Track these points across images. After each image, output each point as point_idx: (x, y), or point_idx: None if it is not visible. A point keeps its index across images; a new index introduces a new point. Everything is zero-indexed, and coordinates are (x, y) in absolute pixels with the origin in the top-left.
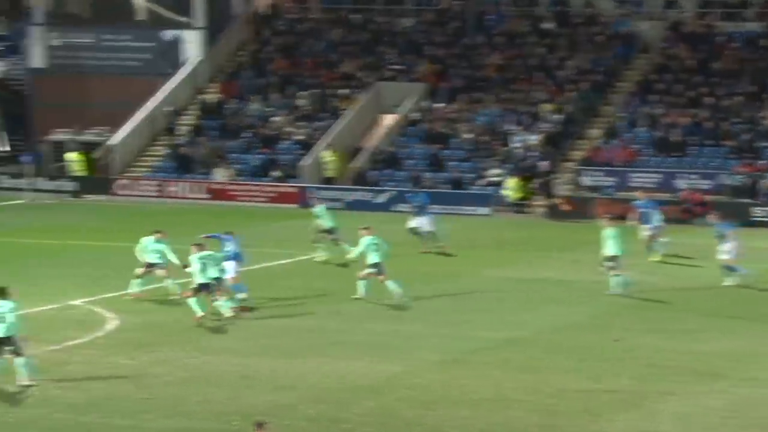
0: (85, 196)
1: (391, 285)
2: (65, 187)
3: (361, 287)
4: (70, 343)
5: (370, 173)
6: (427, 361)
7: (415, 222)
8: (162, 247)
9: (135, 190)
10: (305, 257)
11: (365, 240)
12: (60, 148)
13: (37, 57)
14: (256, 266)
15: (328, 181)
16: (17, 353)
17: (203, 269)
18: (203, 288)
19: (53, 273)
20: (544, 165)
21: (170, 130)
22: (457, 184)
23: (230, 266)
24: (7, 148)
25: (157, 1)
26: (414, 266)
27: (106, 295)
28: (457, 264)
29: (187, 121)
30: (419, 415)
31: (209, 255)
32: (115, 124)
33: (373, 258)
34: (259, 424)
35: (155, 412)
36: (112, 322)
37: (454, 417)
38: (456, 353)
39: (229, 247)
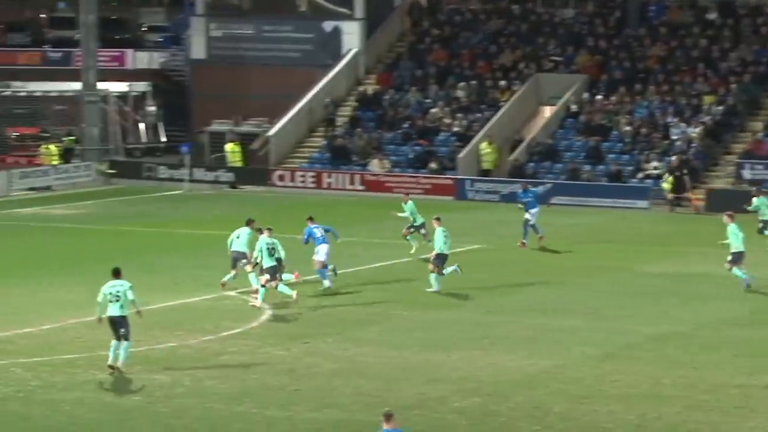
0: (242, 186)
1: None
2: (223, 178)
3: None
4: (225, 333)
5: (528, 165)
6: (580, 355)
7: (528, 215)
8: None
9: (292, 181)
10: (461, 249)
11: (438, 231)
12: (218, 138)
13: (197, 48)
14: (410, 258)
15: (485, 173)
16: (125, 337)
17: (270, 254)
18: (271, 272)
19: (209, 263)
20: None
21: (328, 122)
22: (615, 177)
23: (323, 249)
24: (164, 139)
25: None
26: (569, 260)
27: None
28: (613, 258)
29: (344, 113)
30: (572, 409)
31: (274, 241)
32: (274, 115)
33: (444, 250)
34: (388, 416)
35: (307, 403)
36: (266, 313)
37: (607, 412)
38: (610, 347)
39: (318, 233)
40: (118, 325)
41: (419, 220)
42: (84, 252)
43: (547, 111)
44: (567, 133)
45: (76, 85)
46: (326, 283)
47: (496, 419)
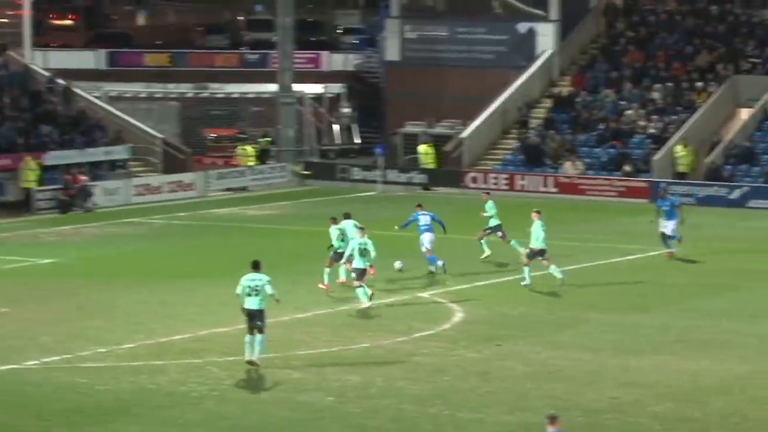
0: (434, 188)
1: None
2: (416, 180)
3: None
4: (417, 334)
5: (725, 168)
6: None
7: (662, 226)
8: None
9: (485, 183)
10: (655, 253)
11: (537, 225)
12: (412, 140)
13: (391, 50)
14: (603, 261)
15: (680, 176)
16: (260, 330)
17: (362, 255)
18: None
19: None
20: None
21: (521, 123)
22: None
23: (426, 239)
24: (359, 141)
25: None
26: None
27: (453, 288)
28: None
29: (538, 114)
30: None
31: (367, 241)
32: (467, 116)
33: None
34: (552, 418)
35: (499, 406)
36: (458, 315)
37: None
38: None
39: (424, 220)
40: (255, 318)
41: (494, 222)
42: (278, 252)
43: (745, 113)
44: (765, 136)
45: (273, 87)
46: (436, 266)
47: (690, 425)
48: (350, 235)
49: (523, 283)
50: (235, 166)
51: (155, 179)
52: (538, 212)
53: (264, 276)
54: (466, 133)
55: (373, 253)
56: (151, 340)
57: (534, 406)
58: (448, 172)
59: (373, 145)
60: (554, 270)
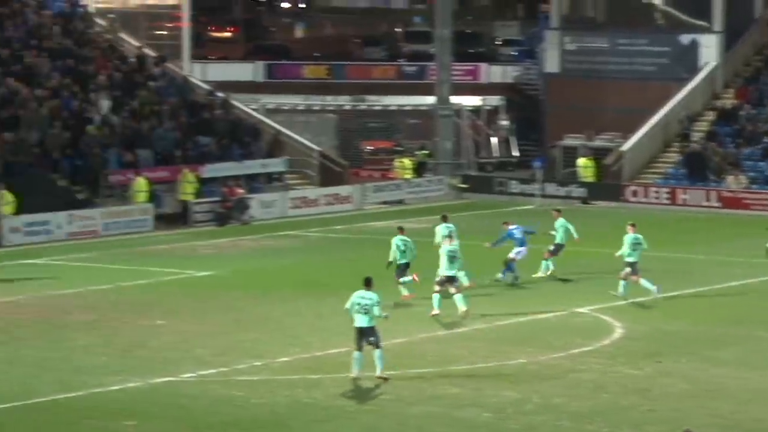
0: (594, 202)
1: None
2: (575, 193)
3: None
4: (576, 350)
5: None
6: None
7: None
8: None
9: (645, 197)
10: None
11: (627, 238)
12: (571, 153)
13: (551, 61)
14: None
15: None
16: (377, 345)
17: (450, 262)
18: (447, 281)
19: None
20: None
21: (684, 137)
22: None
23: (521, 251)
24: (517, 153)
25: (674, 5)
26: None
27: (612, 304)
28: None
29: (701, 128)
30: None
31: (454, 249)
32: (627, 129)
33: (629, 257)
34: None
35: (659, 425)
36: (617, 331)
37: None
38: None
39: (518, 234)
40: (367, 335)
41: (559, 240)
42: (434, 265)
43: None
44: None
45: (430, 99)
46: (506, 277)
47: None
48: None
49: (614, 293)
50: (392, 178)
51: (312, 192)
52: (633, 225)
53: (374, 295)
54: (626, 146)
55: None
56: (306, 353)
57: (696, 425)
58: (607, 186)
59: (531, 158)
60: (645, 283)
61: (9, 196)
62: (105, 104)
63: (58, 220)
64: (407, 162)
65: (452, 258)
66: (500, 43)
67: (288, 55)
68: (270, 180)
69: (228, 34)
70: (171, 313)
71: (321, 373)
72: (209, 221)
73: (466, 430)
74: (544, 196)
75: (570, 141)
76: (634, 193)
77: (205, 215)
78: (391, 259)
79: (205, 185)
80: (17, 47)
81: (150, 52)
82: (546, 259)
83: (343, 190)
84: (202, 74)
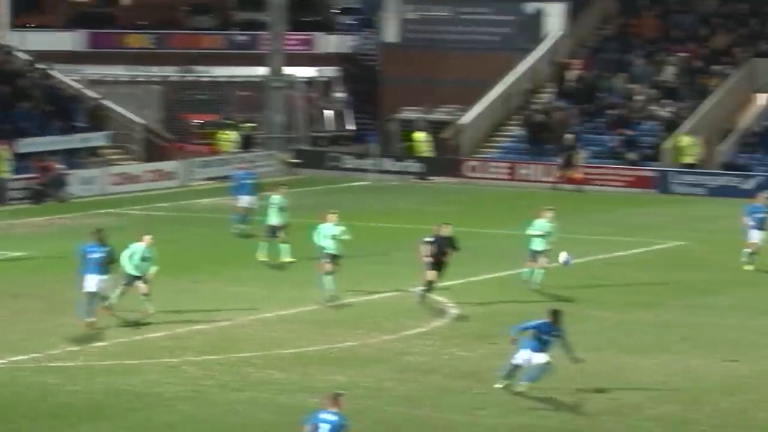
0: (431, 177)
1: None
2: (411, 169)
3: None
4: (407, 332)
5: (739, 157)
6: None
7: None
8: None
9: (485, 172)
10: (662, 246)
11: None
12: (408, 126)
13: (390, 30)
14: (607, 255)
15: (688, 166)
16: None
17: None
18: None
19: (393, 258)
20: None
21: (525, 110)
22: None
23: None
24: (352, 127)
25: None
26: None
27: (447, 283)
28: None
29: (543, 100)
30: None
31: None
32: (467, 102)
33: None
34: (334, 396)
35: (491, 408)
36: (451, 312)
37: None
38: None
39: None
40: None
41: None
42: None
43: (762, 98)
44: None
45: (262, 70)
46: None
47: (694, 428)
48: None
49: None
50: (219, 153)
51: (134, 167)
52: (549, 210)
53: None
54: (465, 120)
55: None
56: (125, 338)
57: (529, 408)
58: (445, 161)
59: (367, 132)
60: (540, 270)
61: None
62: None
63: None
64: (229, 135)
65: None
66: (337, 11)
67: (112, 23)
68: (91, 155)
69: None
70: None
71: (139, 359)
72: (25, 199)
73: (292, 416)
74: (380, 171)
75: (407, 114)
76: (473, 169)
77: (20, 192)
78: None
79: (21, 161)
80: None
81: None
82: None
83: (167, 165)
84: (21, 43)
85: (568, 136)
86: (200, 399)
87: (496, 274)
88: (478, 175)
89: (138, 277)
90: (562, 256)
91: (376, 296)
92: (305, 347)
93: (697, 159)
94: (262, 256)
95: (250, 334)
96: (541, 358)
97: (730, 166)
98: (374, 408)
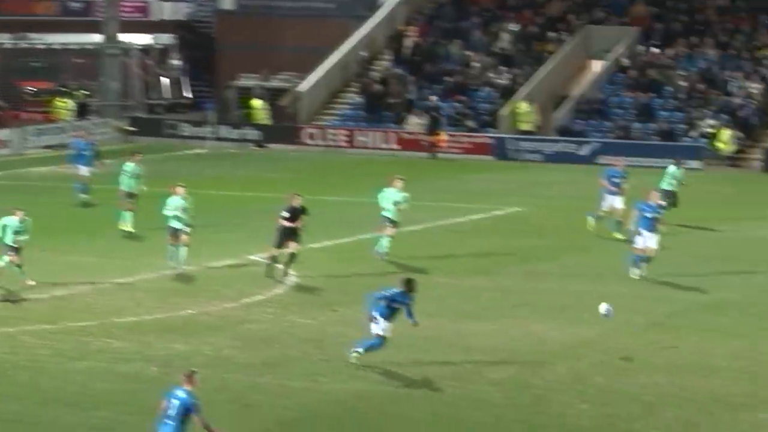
0: (269, 145)
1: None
2: (249, 136)
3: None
4: (248, 300)
5: (575, 123)
6: (625, 323)
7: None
8: None
9: (323, 139)
10: (500, 213)
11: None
12: (246, 94)
13: None
14: (446, 221)
15: (525, 133)
16: None
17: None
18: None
19: (232, 226)
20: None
21: (363, 77)
22: (667, 135)
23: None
24: (189, 95)
25: None
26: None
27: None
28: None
29: (380, 67)
30: (614, 381)
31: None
32: (305, 69)
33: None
34: (188, 375)
35: (332, 375)
36: (291, 279)
37: (651, 384)
38: (657, 316)
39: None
40: None
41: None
42: (98, 214)
43: (597, 65)
44: (617, 89)
45: (97, 38)
46: None
47: (533, 392)
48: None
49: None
50: (55, 121)
51: None
52: (400, 179)
53: None
54: (303, 87)
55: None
56: None
57: (370, 375)
58: (283, 128)
59: (204, 100)
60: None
61: None
62: None
63: None
64: (66, 103)
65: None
66: None
67: None
68: None
69: None
70: None
71: None
72: None
73: (131, 384)
74: (218, 139)
75: (245, 81)
76: (311, 136)
77: None
78: None
79: None
80: None
81: None
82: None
83: (0, 133)
84: None
85: (431, 101)
86: (38, 368)
87: (336, 242)
88: (316, 143)
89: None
90: (603, 308)
91: (216, 264)
92: (144, 315)
93: (533, 125)
94: (124, 225)
95: (88, 303)
96: (386, 327)
97: (566, 132)
98: (214, 376)
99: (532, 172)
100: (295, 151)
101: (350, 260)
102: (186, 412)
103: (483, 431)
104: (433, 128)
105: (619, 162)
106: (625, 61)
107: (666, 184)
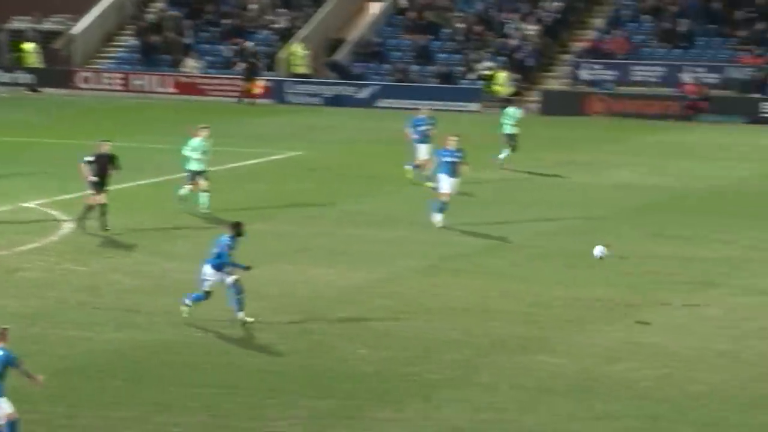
0: (42, 89)
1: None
2: (21, 80)
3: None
4: (22, 248)
5: (354, 66)
6: (404, 268)
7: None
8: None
9: (98, 83)
10: (279, 157)
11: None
12: (17, 37)
13: None
14: (223, 167)
15: (303, 76)
16: None
17: None
18: None
19: (4, 173)
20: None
21: (138, 19)
22: (445, 77)
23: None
24: None
25: None
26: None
27: (63, 197)
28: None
29: (155, 9)
30: (393, 326)
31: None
32: (78, 11)
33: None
34: (1, 331)
35: (108, 324)
36: (66, 226)
37: (430, 328)
38: (435, 260)
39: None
40: None
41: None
42: None
43: (375, 7)
44: (395, 32)
45: None
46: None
47: (311, 337)
48: None
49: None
50: None
51: None
52: (204, 128)
53: None
54: (77, 29)
55: None
56: None
57: (146, 323)
58: (57, 72)
59: None
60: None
61: None
62: None
63: None
64: None
65: None
66: None
67: None
68: None
69: None
70: None
71: None
72: None
73: None
74: None
75: (17, 24)
76: (86, 80)
77: None
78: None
79: None
80: None
81: None
82: None
83: None
84: None
85: (248, 46)
86: None
87: (110, 188)
88: (91, 87)
89: None
90: (597, 251)
91: None
92: None
93: (308, 69)
94: None
95: None
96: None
97: (344, 75)
98: None
99: (310, 116)
100: (69, 95)
101: (127, 207)
102: (5, 367)
103: (264, 377)
104: (251, 75)
105: (426, 109)
106: (403, 3)
107: (508, 128)
